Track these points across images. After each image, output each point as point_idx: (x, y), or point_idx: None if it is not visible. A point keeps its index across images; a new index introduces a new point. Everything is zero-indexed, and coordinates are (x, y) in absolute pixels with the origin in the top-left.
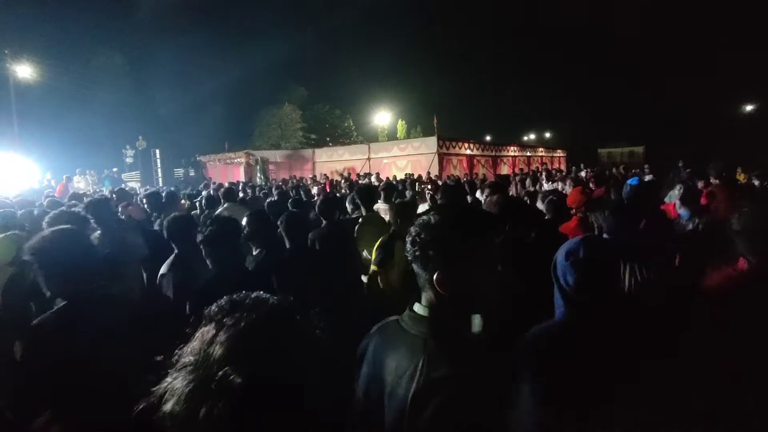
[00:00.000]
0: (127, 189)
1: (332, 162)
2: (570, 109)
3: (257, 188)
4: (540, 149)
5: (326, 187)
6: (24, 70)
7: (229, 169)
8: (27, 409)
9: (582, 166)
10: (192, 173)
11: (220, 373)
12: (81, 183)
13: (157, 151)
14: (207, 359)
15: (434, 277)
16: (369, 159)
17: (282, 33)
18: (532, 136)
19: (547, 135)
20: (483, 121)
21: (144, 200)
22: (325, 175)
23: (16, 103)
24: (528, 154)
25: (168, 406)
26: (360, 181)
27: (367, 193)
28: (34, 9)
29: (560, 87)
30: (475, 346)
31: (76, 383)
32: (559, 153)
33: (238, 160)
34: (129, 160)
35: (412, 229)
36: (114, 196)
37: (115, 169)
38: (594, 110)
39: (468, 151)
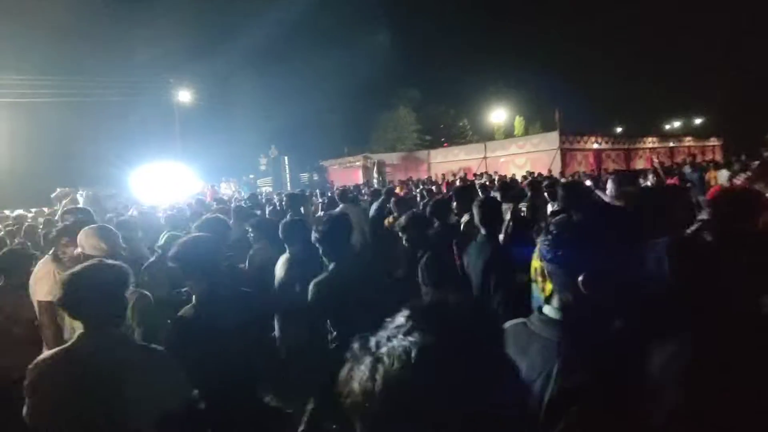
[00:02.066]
0: (260, 194)
1: (447, 162)
2: (730, 87)
3: (374, 190)
4: (687, 138)
5: (443, 187)
6: (184, 95)
7: (348, 173)
8: None
9: (743, 156)
10: (316, 177)
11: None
12: (225, 189)
13: (286, 158)
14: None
15: (579, 278)
16: (485, 158)
17: (394, 36)
18: (677, 124)
19: (698, 121)
20: (613, 111)
21: (284, 199)
22: (443, 175)
23: (180, 122)
24: (671, 144)
25: (353, 386)
26: (477, 181)
27: (464, 193)
28: (187, 44)
29: (713, 63)
30: (611, 351)
31: (209, 367)
32: (713, 141)
33: (357, 163)
34: (263, 167)
35: (552, 228)
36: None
37: (251, 176)
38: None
39: (595, 146)
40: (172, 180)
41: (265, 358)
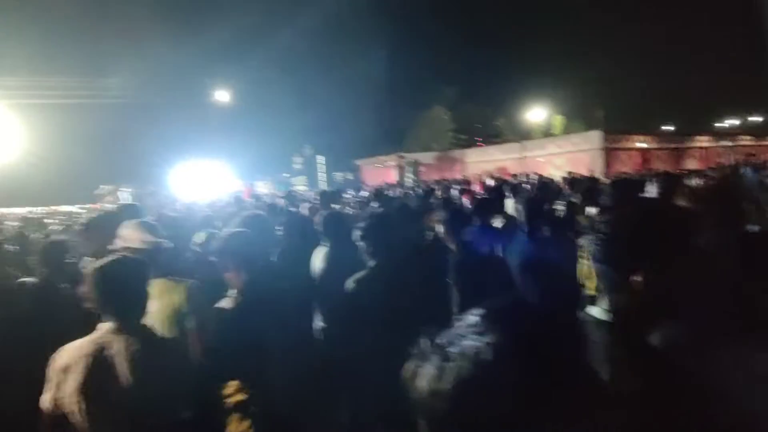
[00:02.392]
0: (296, 192)
1: (483, 162)
2: None
3: (407, 190)
4: (745, 137)
5: (478, 187)
6: (221, 95)
7: (382, 172)
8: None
9: None
10: (350, 177)
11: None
12: (262, 188)
13: (320, 157)
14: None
15: (632, 278)
16: (522, 158)
17: (430, 34)
18: (732, 122)
19: (755, 119)
20: (661, 108)
21: (317, 198)
22: (478, 175)
23: (217, 121)
24: (728, 143)
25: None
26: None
27: (498, 195)
28: (225, 46)
29: None
30: (668, 354)
31: (247, 358)
32: None
33: (391, 163)
34: (297, 166)
35: (602, 226)
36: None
37: (286, 175)
38: None
39: (641, 145)
40: (209, 178)
41: (304, 351)
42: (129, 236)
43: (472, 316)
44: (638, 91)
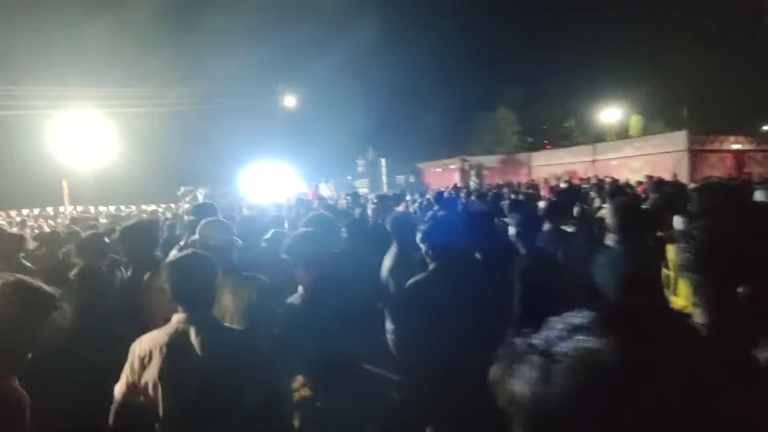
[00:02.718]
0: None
1: (551, 166)
2: None
3: (471, 193)
4: None
5: (544, 191)
6: (289, 100)
7: (445, 175)
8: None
9: None
10: (412, 180)
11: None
12: (325, 191)
13: (383, 160)
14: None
15: (736, 290)
16: (594, 161)
17: (496, 33)
18: None
19: None
20: (759, 105)
21: (375, 200)
22: (544, 179)
23: (285, 125)
24: None
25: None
26: (583, 186)
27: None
28: (293, 50)
29: None
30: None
31: (313, 352)
32: None
33: (453, 166)
34: (360, 168)
35: (700, 234)
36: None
37: (349, 177)
38: None
39: (735, 146)
40: (276, 180)
41: (368, 349)
42: (205, 233)
43: (576, 318)
44: (731, 87)
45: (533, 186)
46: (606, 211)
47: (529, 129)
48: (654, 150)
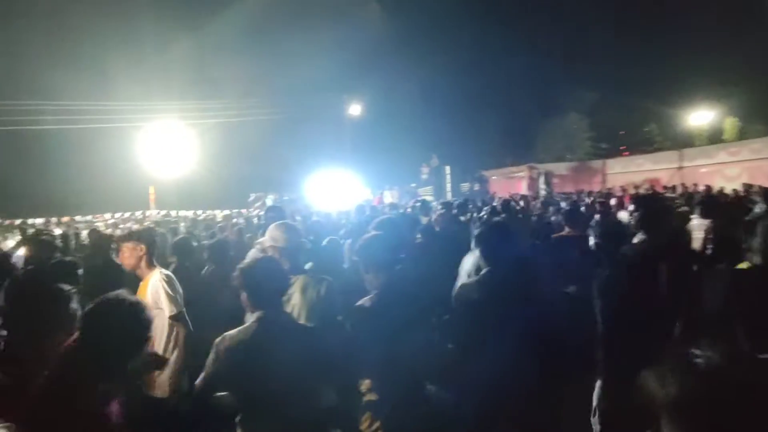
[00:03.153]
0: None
1: (628, 173)
2: None
3: (544, 201)
4: None
5: (625, 199)
6: (354, 109)
7: (510, 183)
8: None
9: None
10: (476, 188)
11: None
12: (388, 198)
13: (447, 167)
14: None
15: None
16: (680, 168)
17: (567, 33)
18: None
19: None
20: None
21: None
22: (621, 187)
23: (350, 133)
24: None
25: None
26: (667, 194)
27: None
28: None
29: None
30: None
31: (380, 353)
32: None
33: (520, 174)
34: (424, 176)
35: None
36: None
37: (413, 185)
38: None
39: None
40: (341, 187)
41: (433, 352)
42: (275, 236)
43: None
44: None
45: (609, 195)
46: (697, 223)
47: (603, 134)
48: (753, 155)
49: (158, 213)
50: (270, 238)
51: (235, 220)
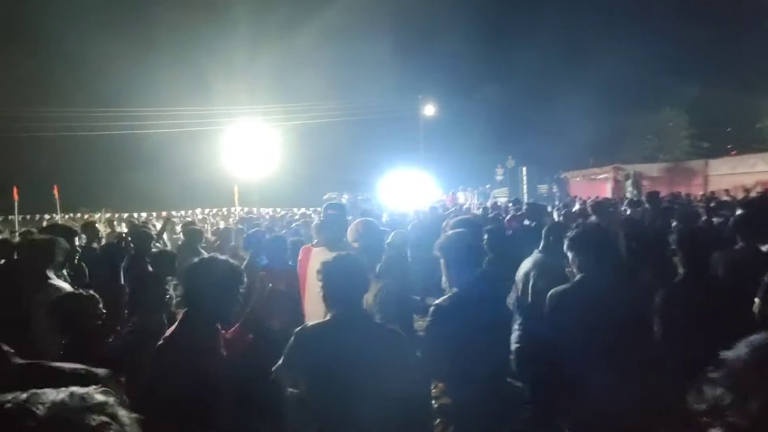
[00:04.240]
0: (499, 204)
1: (736, 175)
2: None
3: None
4: None
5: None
6: (428, 109)
7: (593, 186)
8: None
9: None
10: (555, 190)
11: None
12: (461, 198)
13: (524, 168)
14: None
15: None
16: None
17: (661, 14)
18: None
19: None
20: None
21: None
22: (725, 191)
23: (424, 133)
24: None
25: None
26: None
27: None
28: (433, 63)
29: None
30: None
31: (458, 355)
32: None
33: (604, 175)
34: (499, 177)
35: None
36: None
37: (487, 186)
38: None
39: None
40: (414, 187)
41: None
42: (353, 233)
43: None
44: None
45: (713, 198)
46: None
47: (705, 132)
48: None
49: (242, 210)
50: (349, 234)
51: (313, 217)
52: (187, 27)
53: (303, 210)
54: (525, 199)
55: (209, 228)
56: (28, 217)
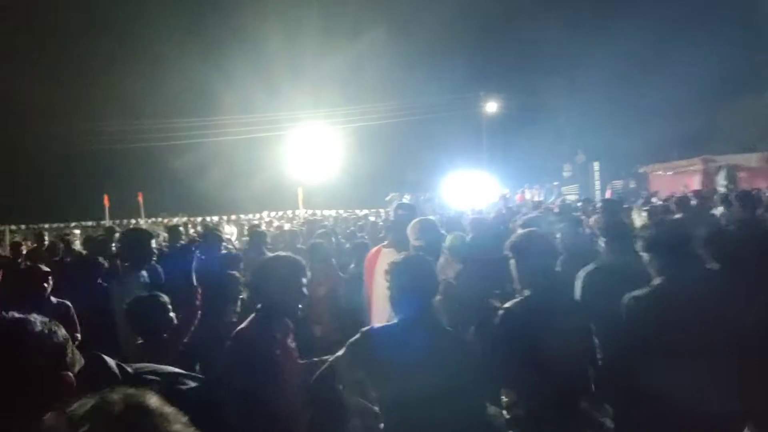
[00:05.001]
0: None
1: None
2: None
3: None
4: None
5: None
6: (491, 106)
7: (678, 179)
8: None
9: None
10: (632, 185)
11: None
12: (528, 195)
13: (596, 164)
14: None
15: None
16: None
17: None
18: None
19: None
20: None
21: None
22: None
23: (487, 130)
24: None
25: None
26: None
27: None
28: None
29: None
30: None
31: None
32: None
33: (692, 168)
34: (567, 173)
35: None
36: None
37: (555, 183)
38: None
39: None
40: (477, 186)
41: (586, 367)
42: (414, 232)
43: None
44: None
45: None
46: None
47: None
48: None
49: (306, 212)
50: (409, 234)
51: (372, 219)
52: (256, 39)
53: (365, 212)
54: (597, 196)
55: (274, 230)
56: (117, 222)
